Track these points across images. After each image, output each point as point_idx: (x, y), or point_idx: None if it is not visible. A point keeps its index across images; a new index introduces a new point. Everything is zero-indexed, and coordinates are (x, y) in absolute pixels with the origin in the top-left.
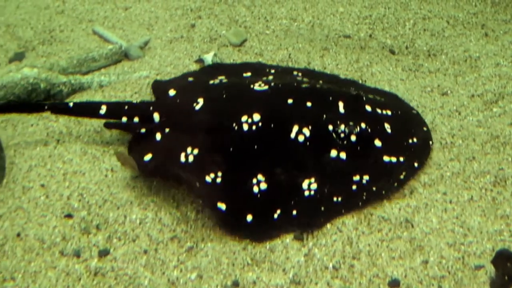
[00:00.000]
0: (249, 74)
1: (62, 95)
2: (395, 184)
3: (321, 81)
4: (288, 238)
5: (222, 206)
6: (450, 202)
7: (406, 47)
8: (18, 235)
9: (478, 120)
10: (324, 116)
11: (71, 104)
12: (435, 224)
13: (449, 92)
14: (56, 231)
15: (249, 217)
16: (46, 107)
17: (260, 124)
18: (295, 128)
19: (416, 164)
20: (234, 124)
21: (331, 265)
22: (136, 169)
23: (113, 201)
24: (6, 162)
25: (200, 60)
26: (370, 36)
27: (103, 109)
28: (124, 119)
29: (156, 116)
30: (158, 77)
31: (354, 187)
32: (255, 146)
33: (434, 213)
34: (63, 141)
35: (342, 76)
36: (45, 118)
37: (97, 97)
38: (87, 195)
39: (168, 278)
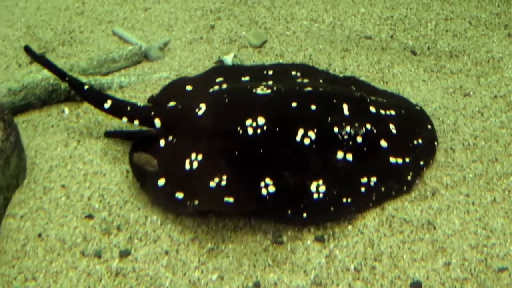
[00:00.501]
0: (247, 78)
1: None
2: (403, 185)
3: (321, 81)
4: (309, 240)
5: (229, 199)
6: (473, 203)
7: (428, 48)
8: (40, 235)
9: (501, 121)
10: (329, 118)
11: (86, 87)
12: (457, 226)
13: (471, 93)
14: (77, 232)
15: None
16: (67, 78)
17: (265, 127)
18: (301, 131)
19: (421, 163)
20: (238, 128)
21: (352, 267)
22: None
23: (134, 202)
24: (27, 162)
25: (220, 62)
26: (392, 37)
27: (108, 103)
28: (125, 119)
29: (157, 122)
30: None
31: (362, 188)
32: (261, 150)
33: (457, 214)
34: (84, 142)
35: (362, 78)
36: (66, 119)
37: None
38: (108, 196)
39: (189, 279)
